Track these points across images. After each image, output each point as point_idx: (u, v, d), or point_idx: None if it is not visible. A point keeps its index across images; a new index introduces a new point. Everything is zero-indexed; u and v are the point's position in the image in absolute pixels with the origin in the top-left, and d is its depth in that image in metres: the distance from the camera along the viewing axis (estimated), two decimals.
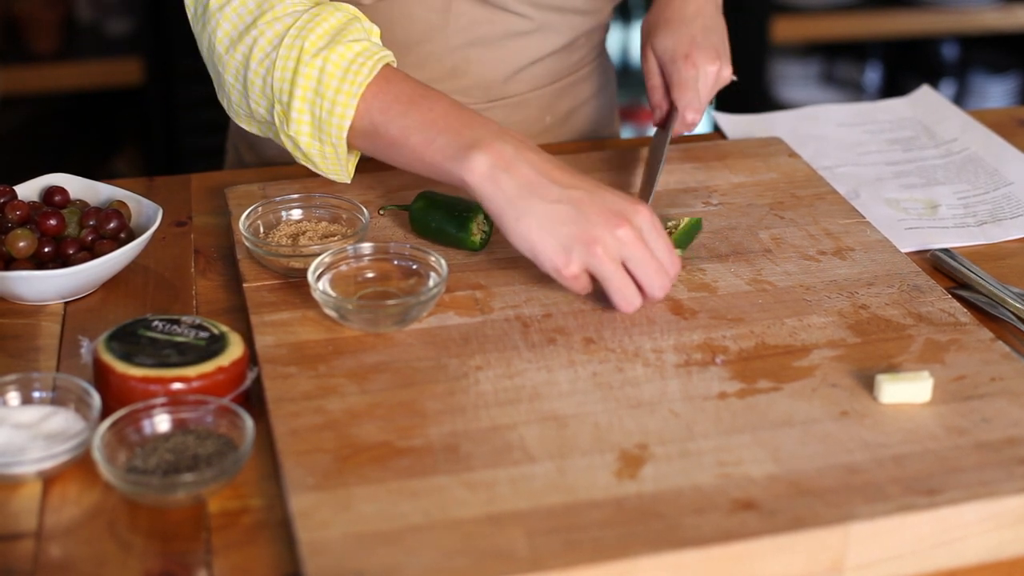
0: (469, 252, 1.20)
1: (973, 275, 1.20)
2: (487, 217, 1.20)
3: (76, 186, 1.24)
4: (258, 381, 1.02)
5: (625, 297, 1.08)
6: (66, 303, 1.15)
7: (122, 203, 1.21)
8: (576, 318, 1.10)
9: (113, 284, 1.18)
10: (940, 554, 0.91)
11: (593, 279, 1.09)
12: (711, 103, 1.37)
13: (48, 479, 0.95)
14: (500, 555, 0.85)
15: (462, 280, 1.16)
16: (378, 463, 0.93)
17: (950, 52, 3.42)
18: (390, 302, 1.09)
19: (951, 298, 1.15)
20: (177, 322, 1.03)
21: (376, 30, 1.19)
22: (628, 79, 3.09)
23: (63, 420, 0.97)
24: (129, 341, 1.00)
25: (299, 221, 1.22)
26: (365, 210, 1.20)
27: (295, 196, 1.23)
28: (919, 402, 1.01)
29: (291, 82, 1.13)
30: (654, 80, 1.36)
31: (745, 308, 1.12)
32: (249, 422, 0.95)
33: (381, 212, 1.25)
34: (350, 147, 1.17)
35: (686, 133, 1.36)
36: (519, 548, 0.85)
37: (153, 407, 0.96)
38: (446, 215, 1.20)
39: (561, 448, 0.95)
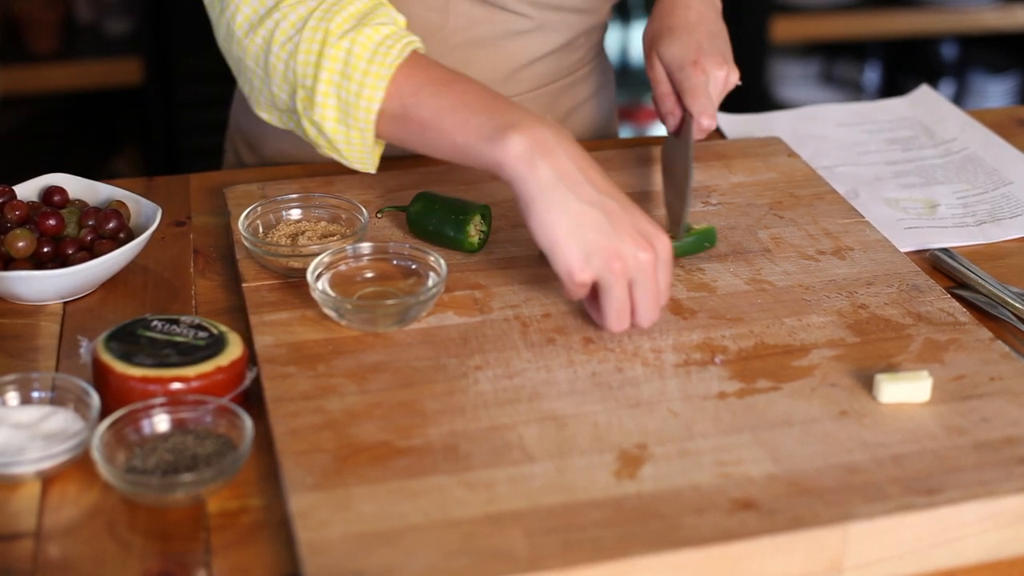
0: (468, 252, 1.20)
1: (972, 275, 1.20)
2: (485, 218, 1.20)
3: (75, 186, 1.24)
4: (257, 381, 1.02)
5: (621, 318, 1.06)
6: (65, 303, 1.15)
7: (121, 203, 1.21)
8: (575, 318, 1.10)
9: (112, 284, 1.18)
10: (939, 554, 0.91)
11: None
12: None
13: (47, 479, 0.95)
14: (499, 555, 0.85)
15: (461, 280, 1.16)
16: (377, 463, 0.93)
17: (949, 52, 3.42)
18: (389, 302, 1.09)
19: (950, 298, 1.15)
20: (176, 322, 1.03)
21: (402, 18, 1.16)
22: (627, 79, 3.07)
23: (62, 420, 0.97)
24: (128, 341, 1.00)
25: (298, 221, 1.22)
26: (364, 210, 1.20)
27: (294, 196, 1.23)
28: (918, 402, 1.01)
29: (316, 65, 1.10)
30: (663, 88, 1.33)
31: (744, 308, 1.12)
32: (248, 422, 0.95)
33: (379, 215, 1.25)
34: (376, 134, 1.13)
35: (699, 139, 1.35)
36: (518, 548, 0.85)
37: (152, 407, 0.96)
38: (444, 217, 1.20)
39: (560, 448, 0.95)
